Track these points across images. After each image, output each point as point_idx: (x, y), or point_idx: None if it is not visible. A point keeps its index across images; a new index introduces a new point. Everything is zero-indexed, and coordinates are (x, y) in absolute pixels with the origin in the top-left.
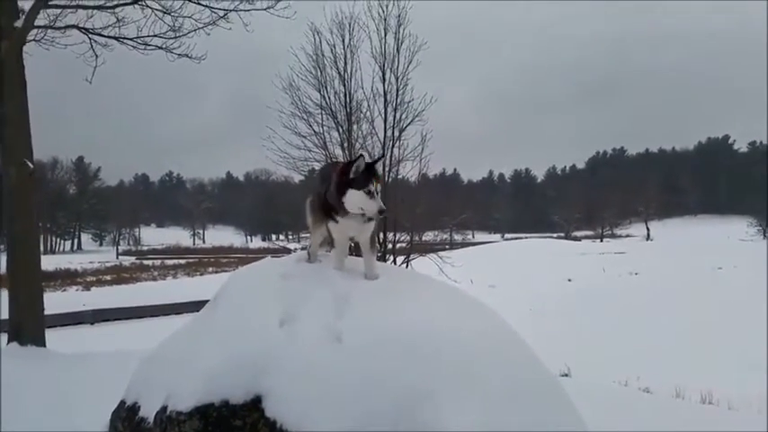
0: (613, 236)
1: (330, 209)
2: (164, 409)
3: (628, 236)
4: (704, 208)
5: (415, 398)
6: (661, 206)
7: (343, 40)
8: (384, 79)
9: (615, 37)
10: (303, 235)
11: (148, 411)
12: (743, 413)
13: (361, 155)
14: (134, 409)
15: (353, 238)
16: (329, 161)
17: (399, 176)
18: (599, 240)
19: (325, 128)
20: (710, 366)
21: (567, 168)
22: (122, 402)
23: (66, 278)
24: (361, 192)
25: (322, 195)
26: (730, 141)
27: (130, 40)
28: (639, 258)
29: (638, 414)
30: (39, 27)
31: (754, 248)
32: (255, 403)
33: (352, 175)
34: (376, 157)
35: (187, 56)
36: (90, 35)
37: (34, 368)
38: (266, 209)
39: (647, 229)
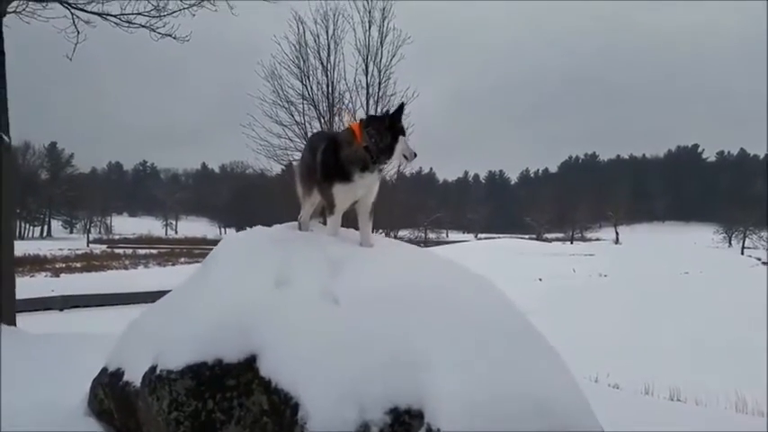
0: (583, 239)
1: (340, 172)
2: (153, 369)
3: (597, 239)
4: (672, 215)
5: (410, 354)
6: (630, 211)
7: (327, 31)
8: (367, 72)
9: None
10: None
11: (134, 375)
12: (711, 409)
13: (403, 104)
14: (117, 374)
15: (356, 203)
16: (314, 132)
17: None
18: (569, 242)
19: (306, 118)
20: (678, 365)
21: (540, 171)
22: (104, 369)
23: (35, 264)
24: (404, 138)
25: (317, 165)
26: (699, 150)
27: (113, 16)
28: (608, 261)
29: (610, 409)
30: None
31: (720, 255)
32: (250, 363)
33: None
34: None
35: (171, 36)
36: (72, 9)
37: (8, 345)
38: (241, 201)
39: (617, 233)
